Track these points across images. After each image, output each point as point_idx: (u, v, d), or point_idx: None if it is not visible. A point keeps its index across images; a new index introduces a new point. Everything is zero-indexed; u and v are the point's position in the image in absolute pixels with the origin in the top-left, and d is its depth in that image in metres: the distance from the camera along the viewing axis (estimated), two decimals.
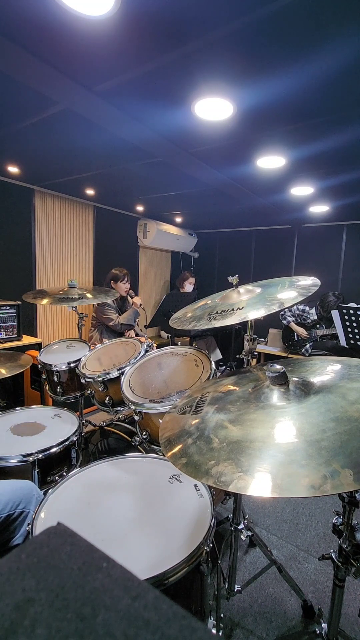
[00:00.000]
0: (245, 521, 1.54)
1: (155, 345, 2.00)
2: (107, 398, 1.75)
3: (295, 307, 3.93)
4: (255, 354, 1.49)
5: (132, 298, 3.40)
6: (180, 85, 1.49)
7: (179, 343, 3.46)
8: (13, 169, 2.90)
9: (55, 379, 2.09)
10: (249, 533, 1.53)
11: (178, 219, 4.74)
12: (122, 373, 1.66)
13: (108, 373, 1.71)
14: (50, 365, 2.05)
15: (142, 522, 1.04)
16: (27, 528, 1.07)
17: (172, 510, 1.08)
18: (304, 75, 1.38)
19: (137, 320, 3.34)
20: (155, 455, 1.39)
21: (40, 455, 1.49)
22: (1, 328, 2.88)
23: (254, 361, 1.50)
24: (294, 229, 4.66)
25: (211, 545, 0.98)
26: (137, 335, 3.53)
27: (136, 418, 1.43)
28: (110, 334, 3.28)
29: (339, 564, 1.01)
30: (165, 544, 0.96)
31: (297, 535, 1.98)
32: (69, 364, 2.04)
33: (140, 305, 3.34)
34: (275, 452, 0.72)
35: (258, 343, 1.49)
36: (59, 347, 2.34)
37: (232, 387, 1.07)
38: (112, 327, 3.21)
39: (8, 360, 2.01)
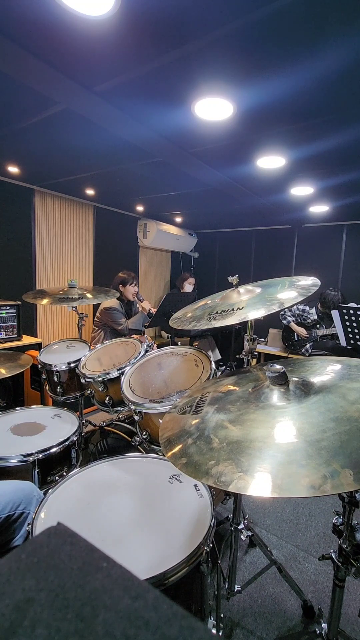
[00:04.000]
0: (245, 521, 1.54)
1: (155, 345, 2.00)
2: (107, 398, 1.75)
3: (295, 307, 3.93)
4: (255, 354, 1.49)
5: (140, 302, 3.38)
6: (180, 85, 1.49)
7: (179, 343, 3.46)
8: (13, 169, 2.90)
9: (55, 379, 2.09)
10: (249, 533, 1.53)
11: (178, 219, 4.74)
12: (122, 373, 1.66)
13: (108, 373, 1.71)
14: (50, 365, 2.05)
15: (142, 522, 1.04)
16: (27, 528, 1.07)
17: (172, 510, 1.08)
18: (304, 75, 1.39)
19: (144, 324, 3.32)
20: (155, 455, 1.39)
21: (40, 455, 1.49)
22: (1, 328, 2.88)
23: (254, 361, 1.50)
24: (294, 229, 4.66)
25: (211, 545, 0.98)
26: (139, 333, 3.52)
27: (136, 418, 1.43)
28: (115, 336, 3.27)
29: (339, 564, 1.01)
30: (165, 544, 0.96)
31: (297, 535, 1.98)
32: (69, 364, 2.04)
33: (150, 310, 3.32)
34: (275, 452, 0.72)
35: (258, 343, 1.49)
36: (59, 347, 2.34)
37: (232, 387, 1.07)
38: (120, 331, 3.19)
39: (8, 360, 2.01)
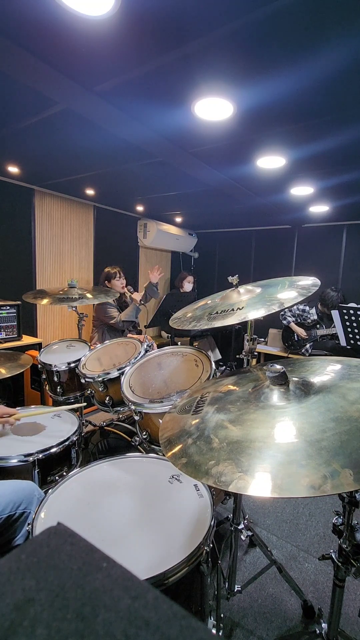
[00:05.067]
0: (245, 521, 1.54)
1: (155, 345, 2.00)
2: (107, 398, 1.75)
3: (295, 307, 3.93)
4: (255, 354, 1.49)
5: (131, 294, 3.40)
6: (180, 85, 1.49)
7: (179, 343, 3.46)
8: (13, 169, 2.90)
9: (55, 379, 2.09)
10: (249, 533, 1.53)
11: (178, 219, 4.74)
12: (122, 373, 1.66)
13: (108, 373, 1.71)
14: (50, 365, 2.05)
15: (142, 522, 1.04)
16: (27, 528, 1.07)
17: (172, 510, 1.08)
18: (304, 75, 1.38)
19: (137, 315, 3.34)
20: (155, 455, 1.39)
21: (40, 455, 1.49)
22: (1, 328, 2.88)
23: (254, 361, 1.50)
24: (294, 229, 4.66)
25: (211, 545, 0.98)
26: (139, 332, 3.52)
27: (136, 418, 1.43)
28: (112, 334, 3.28)
29: (339, 564, 1.01)
30: (165, 544, 0.96)
31: (297, 535, 1.97)
32: (69, 364, 2.04)
33: (141, 300, 3.33)
34: (275, 452, 0.72)
35: (258, 343, 1.49)
36: (59, 347, 2.34)
37: (232, 387, 1.07)
38: (114, 325, 3.20)
39: (8, 360, 2.01)
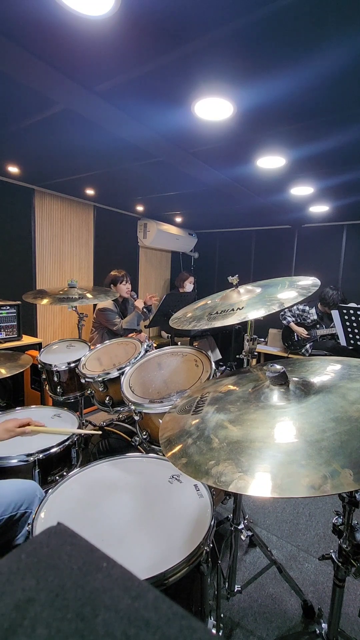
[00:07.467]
0: (245, 521, 1.54)
1: (155, 345, 2.01)
2: (107, 398, 1.75)
3: (295, 307, 3.93)
4: (255, 354, 1.49)
5: (134, 300, 3.38)
6: (180, 85, 1.49)
7: (179, 343, 3.46)
8: (13, 169, 2.90)
9: (55, 379, 2.09)
10: (249, 533, 1.53)
11: (178, 219, 4.74)
12: (122, 373, 1.66)
13: (108, 373, 1.71)
14: (50, 365, 2.05)
15: (142, 522, 1.04)
16: (27, 528, 1.07)
17: (172, 510, 1.08)
18: (304, 75, 1.39)
19: (139, 323, 3.33)
20: (155, 455, 1.39)
21: (40, 455, 1.49)
22: (1, 328, 2.88)
23: (254, 361, 1.50)
24: (294, 229, 4.66)
25: (211, 545, 0.98)
26: (139, 332, 3.51)
27: (136, 418, 1.42)
28: (112, 336, 3.27)
29: (339, 564, 1.01)
30: (165, 544, 0.96)
31: (297, 535, 1.97)
32: (69, 364, 2.04)
33: (144, 307, 3.31)
34: (275, 452, 0.72)
35: (258, 343, 1.49)
36: (59, 347, 2.34)
37: (232, 387, 1.07)
38: (115, 331, 3.20)
39: (8, 360, 2.01)
